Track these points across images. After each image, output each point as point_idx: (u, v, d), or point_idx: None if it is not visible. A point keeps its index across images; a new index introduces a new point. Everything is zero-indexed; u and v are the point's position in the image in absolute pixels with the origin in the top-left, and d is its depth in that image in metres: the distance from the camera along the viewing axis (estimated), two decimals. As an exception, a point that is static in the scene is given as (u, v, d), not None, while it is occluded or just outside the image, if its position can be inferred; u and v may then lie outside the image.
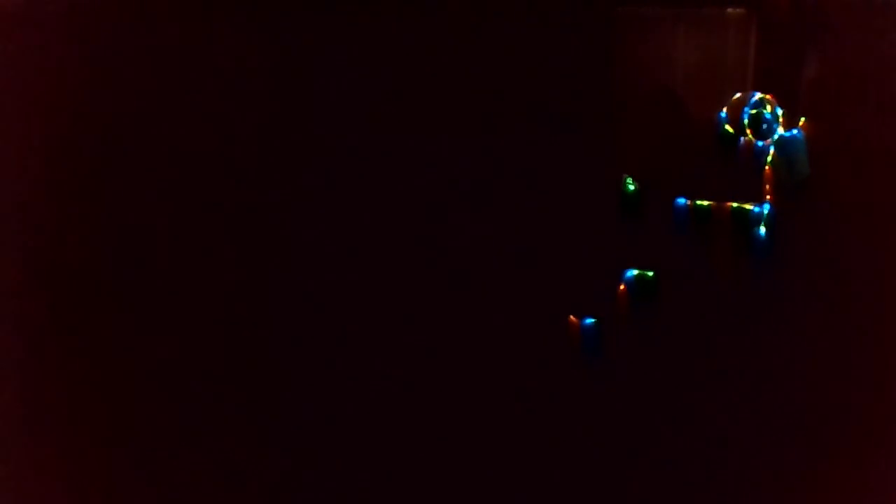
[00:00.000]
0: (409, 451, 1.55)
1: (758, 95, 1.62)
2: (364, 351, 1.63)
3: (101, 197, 1.76)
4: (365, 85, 1.77)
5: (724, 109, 1.61)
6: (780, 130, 1.59)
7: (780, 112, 1.60)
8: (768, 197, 1.57)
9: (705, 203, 1.59)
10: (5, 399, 1.64)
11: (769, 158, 1.58)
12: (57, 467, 1.59)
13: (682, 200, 1.59)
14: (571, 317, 1.58)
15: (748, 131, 1.60)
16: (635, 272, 1.58)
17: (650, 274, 1.57)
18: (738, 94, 1.61)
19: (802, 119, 1.59)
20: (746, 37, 1.73)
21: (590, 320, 1.57)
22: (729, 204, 1.58)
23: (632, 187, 1.61)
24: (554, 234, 1.64)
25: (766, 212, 1.56)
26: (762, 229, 1.55)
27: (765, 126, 1.58)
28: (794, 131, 1.58)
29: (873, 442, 1.45)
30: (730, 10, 1.69)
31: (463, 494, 1.52)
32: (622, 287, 1.57)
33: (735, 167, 1.61)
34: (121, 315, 1.69)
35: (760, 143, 1.60)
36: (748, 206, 1.57)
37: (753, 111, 1.62)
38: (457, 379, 1.59)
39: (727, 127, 1.61)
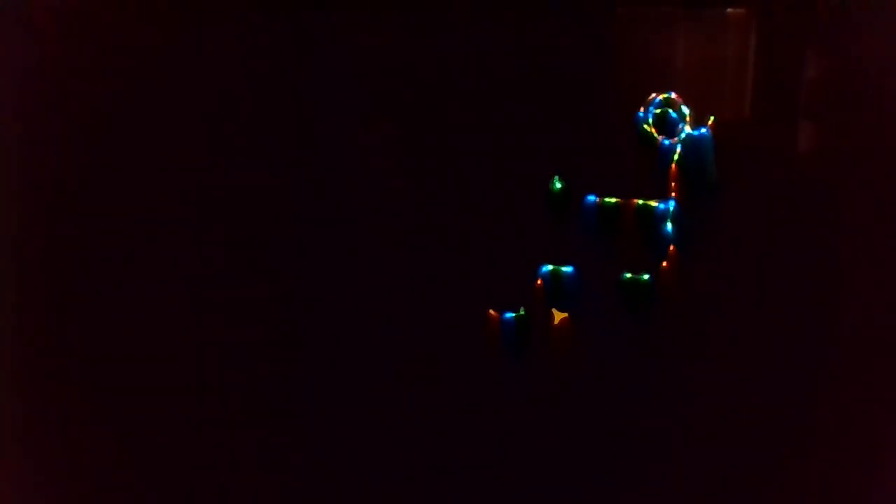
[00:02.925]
0: (323, 452, 1.66)
1: (663, 95, 1.70)
2: (283, 346, 1.70)
3: (100, 197, 1.77)
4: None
5: (641, 109, 1.69)
6: (688, 130, 1.68)
7: (686, 112, 1.68)
8: (673, 194, 1.66)
9: (613, 200, 1.67)
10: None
11: (675, 157, 1.67)
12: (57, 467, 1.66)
13: (591, 198, 1.68)
14: (491, 311, 1.67)
15: (653, 130, 1.68)
16: (550, 268, 1.67)
17: (565, 269, 1.67)
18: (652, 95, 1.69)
19: (711, 119, 1.67)
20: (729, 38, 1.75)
21: (510, 315, 1.67)
22: (635, 201, 1.66)
23: (559, 185, 1.67)
24: (474, 230, 1.71)
25: (671, 209, 1.65)
26: (669, 226, 1.65)
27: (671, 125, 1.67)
28: (703, 130, 1.66)
29: (783, 443, 1.58)
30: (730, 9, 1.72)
31: (378, 491, 1.65)
32: (539, 282, 1.66)
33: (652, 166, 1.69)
34: (120, 316, 1.73)
35: (667, 142, 1.68)
36: (653, 203, 1.66)
37: (658, 111, 1.70)
38: (376, 373, 1.67)
39: (645, 126, 1.69)
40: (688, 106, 1.67)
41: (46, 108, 1.73)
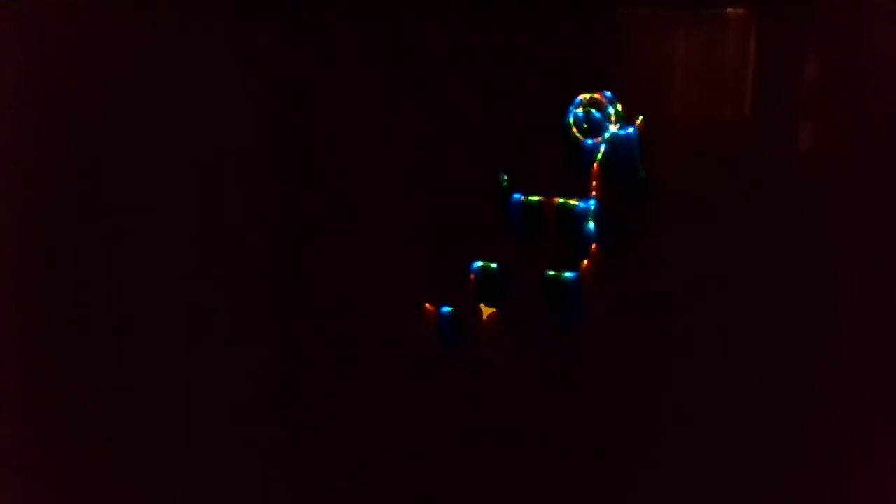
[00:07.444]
0: (261, 451, 1.75)
1: (586, 95, 1.74)
2: (220, 342, 1.76)
3: (99, 197, 1.83)
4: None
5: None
6: (613, 129, 1.72)
7: (612, 112, 1.73)
8: (594, 193, 1.72)
9: (536, 198, 1.74)
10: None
11: (598, 156, 1.72)
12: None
13: (517, 196, 1.74)
14: (428, 305, 1.77)
15: (574, 130, 1.73)
16: (480, 263, 1.75)
17: (493, 265, 1.75)
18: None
19: (640, 118, 1.72)
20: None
21: (447, 309, 1.76)
22: (555, 199, 1.73)
23: (506, 184, 1.74)
24: (413, 226, 1.78)
25: (591, 208, 1.72)
26: (591, 224, 1.72)
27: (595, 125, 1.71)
28: (630, 130, 1.71)
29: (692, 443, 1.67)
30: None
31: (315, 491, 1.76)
32: (472, 277, 1.75)
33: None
34: (118, 316, 1.78)
35: (590, 142, 1.73)
36: (573, 202, 1.72)
37: (579, 110, 1.74)
38: (313, 366, 1.74)
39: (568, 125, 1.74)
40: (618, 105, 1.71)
41: (46, 108, 1.77)
